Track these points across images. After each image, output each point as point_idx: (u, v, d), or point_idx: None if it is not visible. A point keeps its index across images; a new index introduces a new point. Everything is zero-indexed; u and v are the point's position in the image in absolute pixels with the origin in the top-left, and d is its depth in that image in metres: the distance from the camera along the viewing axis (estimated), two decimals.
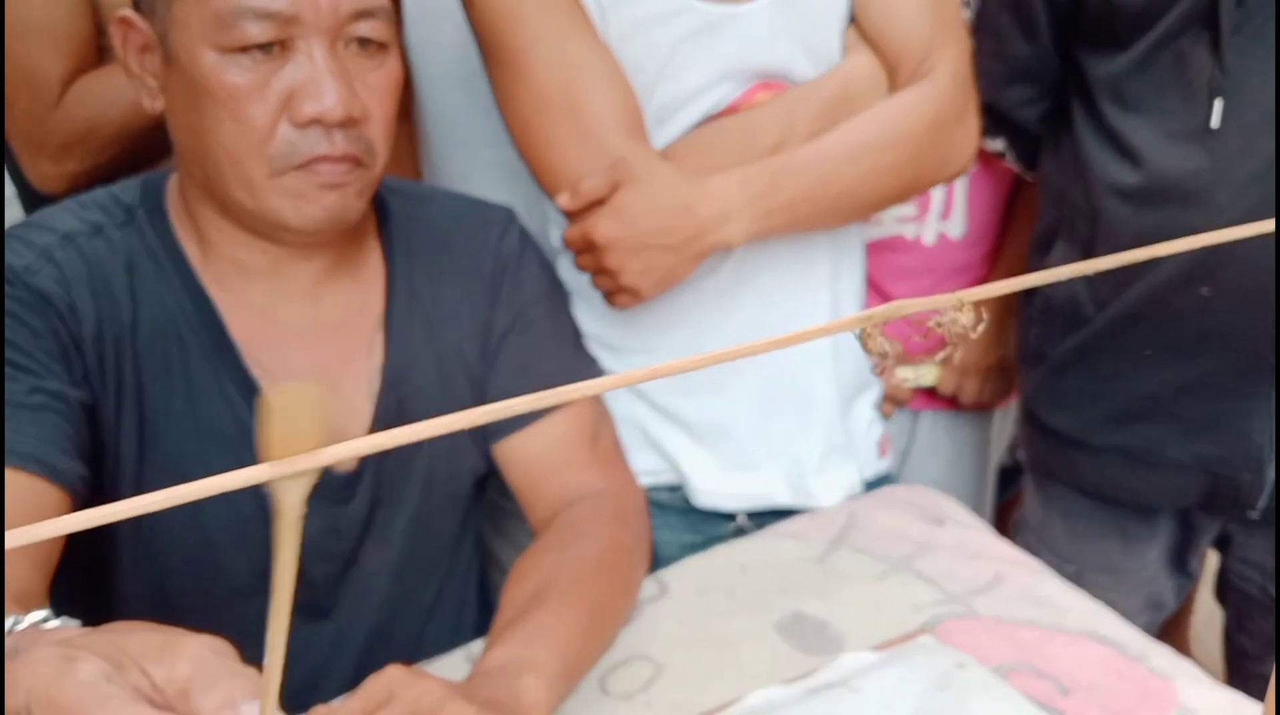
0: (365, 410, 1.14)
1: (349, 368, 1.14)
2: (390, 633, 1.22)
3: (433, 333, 1.18)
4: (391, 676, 0.90)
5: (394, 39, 1.04)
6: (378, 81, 1.02)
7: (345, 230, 1.10)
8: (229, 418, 1.08)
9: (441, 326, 1.18)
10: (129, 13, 1.02)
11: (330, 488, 1.13)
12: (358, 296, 1.15)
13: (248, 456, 1.06)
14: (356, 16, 0.98)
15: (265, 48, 0.96)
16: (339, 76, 0.98)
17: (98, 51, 1.43)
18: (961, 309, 0.54)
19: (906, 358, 1.68)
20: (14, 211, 1.52)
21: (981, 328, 0.55)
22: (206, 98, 0.97)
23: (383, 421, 1.13)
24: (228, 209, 1.04)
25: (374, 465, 1.15)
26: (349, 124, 0.99)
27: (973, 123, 1.32)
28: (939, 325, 0.54)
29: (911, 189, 1.31)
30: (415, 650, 1.20)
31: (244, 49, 0.96)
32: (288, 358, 1.10)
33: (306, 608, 1.16)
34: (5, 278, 0.99)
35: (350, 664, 1.19)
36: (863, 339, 0.52)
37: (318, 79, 0.97)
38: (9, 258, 1.01)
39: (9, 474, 0.91)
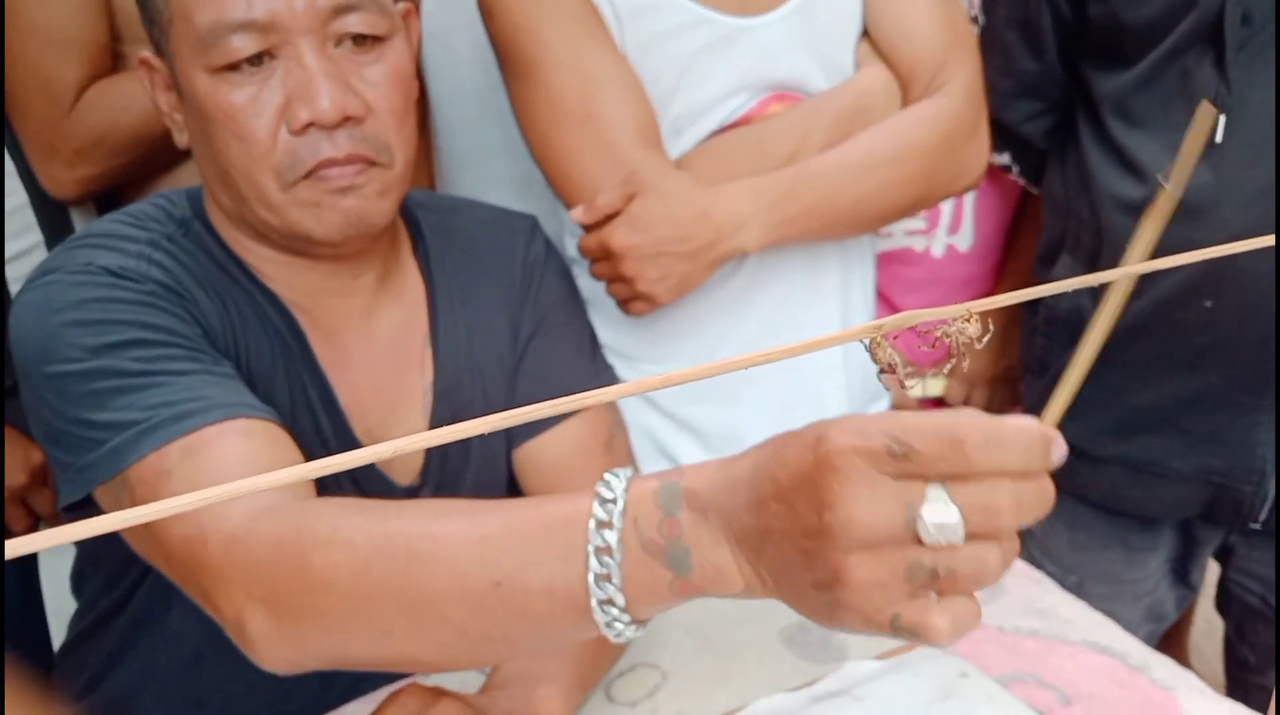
0: (421, 427, 1.14)
1: (404, 386, 1.14)
2: None
3: (474, 345, 1.19)
4: (410, 695, 0.91)
5: (392, 30, 1.02)
6: (377, 76, 1.00)
7: (384, 243, 1.11)
8: (311, 429, 1.07)
9: (481, 337, 1.19)
10: (148, 54, 1.03)
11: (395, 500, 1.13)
12: (404, 315, 1.15)
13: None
14: (339, 12, 0.97)
15: (254, 61, 0.96)
16: (330, 76, 0.96)
17: (113, 58, 1.45)
18: (969, 320, 0.54)
19: (914, 369, 1.69)
20: (27, 218, 1.51)
21: (987, 339, 0.55)
22: (210, 122, 0.98)
23: None
24: (261, 234, 1.04)
25: (434, 477, 1.16)
26: (349, 123, 0.98)
27: (984, 138, 1.34)
28: (946, 336, 0.55)
29: (924, 202, 1.33)
30: None
31: (233, 66, 0.95)
32: (352, 377, 1.11)
33: None
34: (123, 276, 0.98)
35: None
36: (871, 349, 0.53)
37: (308, 82, 0.96)
38: (104, 260, 0.98)
39: (251, 424, 0.90)
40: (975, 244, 1.71)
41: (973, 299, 0.53)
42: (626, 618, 0.67)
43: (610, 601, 0.66)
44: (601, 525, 0.66)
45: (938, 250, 1.70)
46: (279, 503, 0.82)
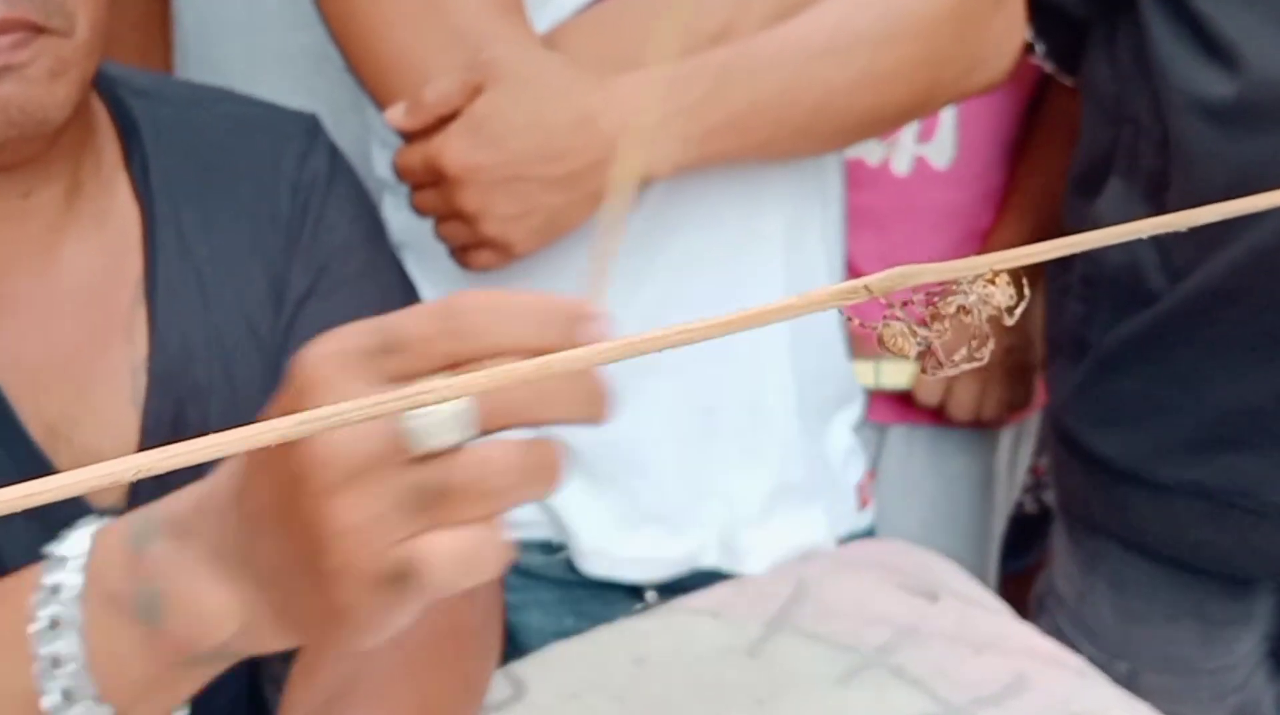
0: (128, 419, 1.11)
1: (102, 359, 1.11)
2: None
3: (212, 303, 1.14)
4: None
5: None
6: None
7: (68, 147, 1.07)
8: None
9: (224, 292, 1.15)
10: None
11: None
12: (106, 253, 1.12)
13: None
14: None
15: None
16: None
17: None
18: (993, 280, 0.52)
19: (872, 349, 1.69)
20: None
21: (1021, 309, 0.53)
22: None
23: (154, 435, 1.11)
24: None
25: (146, 497, 1.11)
26: None
27: (1016, 7, 1.28)
28: (962, 309, 0.52)
29: (924, 104, 1.28)
30: None
31: None
32: (24, 342, 1.08)
33: None
34: None
35: None
36: (880, 338, 0.50)
37: None
38: None
39: None
40: (959, 158, 1.67)
41: (954, 239, 0.51)
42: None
43: (71, 695, 0.69)
44: (51, 593, 0.70)
45: (901, 165, 1.67)
46: None
